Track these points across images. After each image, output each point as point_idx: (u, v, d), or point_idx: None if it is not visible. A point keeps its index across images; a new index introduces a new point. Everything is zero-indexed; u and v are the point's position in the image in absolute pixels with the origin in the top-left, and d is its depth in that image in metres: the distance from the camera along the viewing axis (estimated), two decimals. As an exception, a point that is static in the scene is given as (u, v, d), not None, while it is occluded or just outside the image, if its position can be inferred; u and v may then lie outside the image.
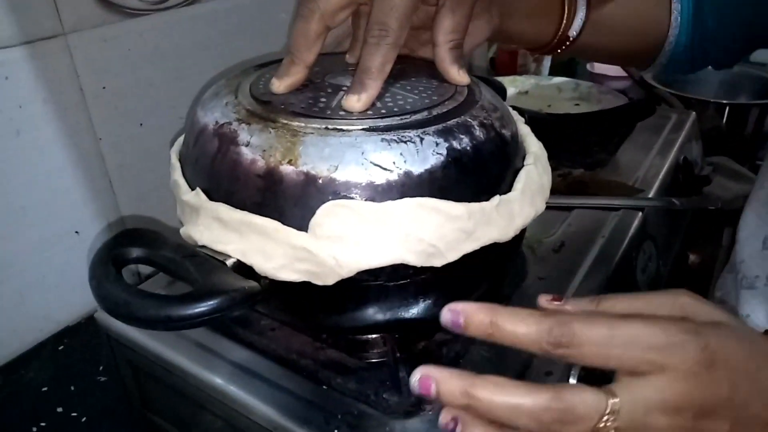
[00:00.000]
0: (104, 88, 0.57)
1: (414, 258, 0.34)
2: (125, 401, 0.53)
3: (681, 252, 0.72)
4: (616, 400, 0.26)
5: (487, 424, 0.27)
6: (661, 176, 0.67)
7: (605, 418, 0.26)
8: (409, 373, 0.40)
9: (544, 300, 0.30)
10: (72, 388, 0.55)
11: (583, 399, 0.26)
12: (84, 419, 0.53)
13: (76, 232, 0.59)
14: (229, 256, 0.33)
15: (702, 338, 0.26)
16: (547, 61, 1.07)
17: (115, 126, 0.58)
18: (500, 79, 0.80)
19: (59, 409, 0.53)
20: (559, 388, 0.26)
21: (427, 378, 0.27)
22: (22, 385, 0.55)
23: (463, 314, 0.28)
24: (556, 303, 0.29)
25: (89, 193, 0.59)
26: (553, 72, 1.07)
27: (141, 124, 0.61)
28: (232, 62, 0.67)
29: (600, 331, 0.26)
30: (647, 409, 0.26)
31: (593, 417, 0.26)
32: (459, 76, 0.40)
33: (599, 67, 1.08)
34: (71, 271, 0.60)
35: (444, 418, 0.28)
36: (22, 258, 0.56)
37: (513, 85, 0.80)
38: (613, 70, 1.08)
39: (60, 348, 0.59)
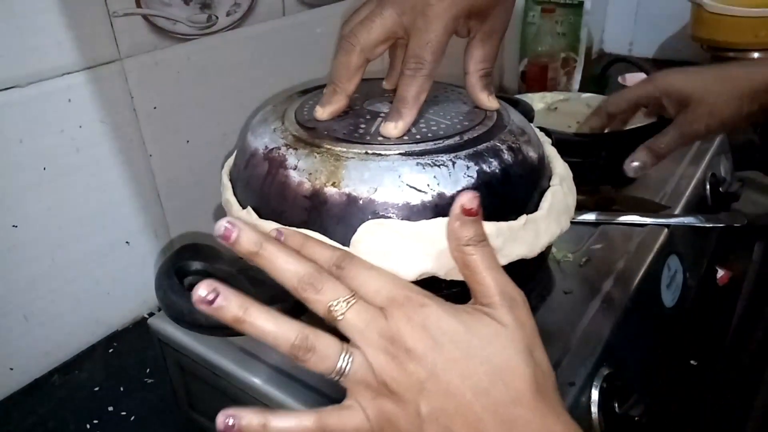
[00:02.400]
0: (155, 108, 0.60)
1: (444, 272, 0.36)
2: (171, 402, 0.56)
3: (709, 267, 0.73)
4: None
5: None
6: (687, 193, 0.68)
7: (336, 302, 0.31)
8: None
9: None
10: (121, 388, 0.59)
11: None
12: (132, 418, 0.56)
13: (127, 242, 0.63)
14: (278, 270, 0.36)
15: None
16: (578, 75, 1.08)
17: (164, 143, 0.62)
18: (530, 95, 0.82)
19: (110, 408, 0.57)
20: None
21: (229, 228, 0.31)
22: (77, 385, 0.59)
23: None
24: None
25: (139, 206, 0.63)
26: (584, 86, 1.08)
27: (188, 141, 0.64)
28: (273, 81, 0.70)
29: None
30: (367, 324, 0.31)
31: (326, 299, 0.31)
32: (489, 102, 0.43)
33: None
34: (122, 278, 0.64)
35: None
36: (78, 266, 0.60)
37: (542, 101, 0.81)
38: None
39: (110, 351, 0.63)
